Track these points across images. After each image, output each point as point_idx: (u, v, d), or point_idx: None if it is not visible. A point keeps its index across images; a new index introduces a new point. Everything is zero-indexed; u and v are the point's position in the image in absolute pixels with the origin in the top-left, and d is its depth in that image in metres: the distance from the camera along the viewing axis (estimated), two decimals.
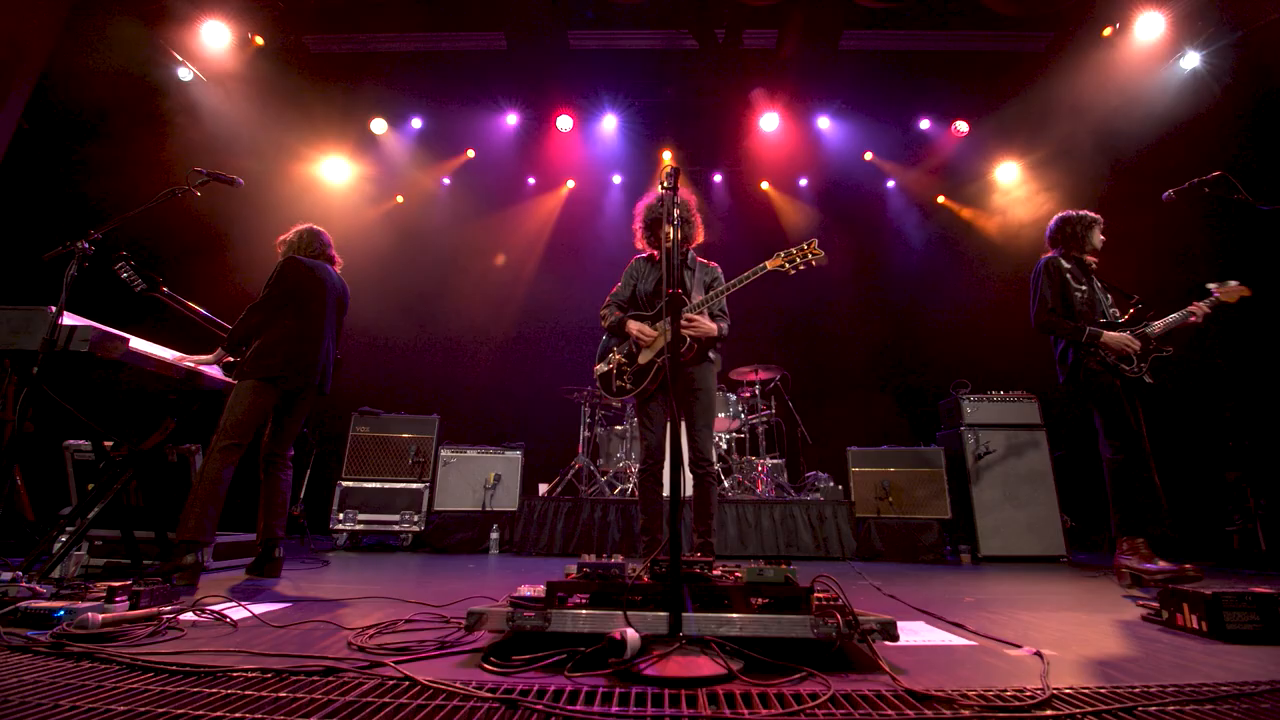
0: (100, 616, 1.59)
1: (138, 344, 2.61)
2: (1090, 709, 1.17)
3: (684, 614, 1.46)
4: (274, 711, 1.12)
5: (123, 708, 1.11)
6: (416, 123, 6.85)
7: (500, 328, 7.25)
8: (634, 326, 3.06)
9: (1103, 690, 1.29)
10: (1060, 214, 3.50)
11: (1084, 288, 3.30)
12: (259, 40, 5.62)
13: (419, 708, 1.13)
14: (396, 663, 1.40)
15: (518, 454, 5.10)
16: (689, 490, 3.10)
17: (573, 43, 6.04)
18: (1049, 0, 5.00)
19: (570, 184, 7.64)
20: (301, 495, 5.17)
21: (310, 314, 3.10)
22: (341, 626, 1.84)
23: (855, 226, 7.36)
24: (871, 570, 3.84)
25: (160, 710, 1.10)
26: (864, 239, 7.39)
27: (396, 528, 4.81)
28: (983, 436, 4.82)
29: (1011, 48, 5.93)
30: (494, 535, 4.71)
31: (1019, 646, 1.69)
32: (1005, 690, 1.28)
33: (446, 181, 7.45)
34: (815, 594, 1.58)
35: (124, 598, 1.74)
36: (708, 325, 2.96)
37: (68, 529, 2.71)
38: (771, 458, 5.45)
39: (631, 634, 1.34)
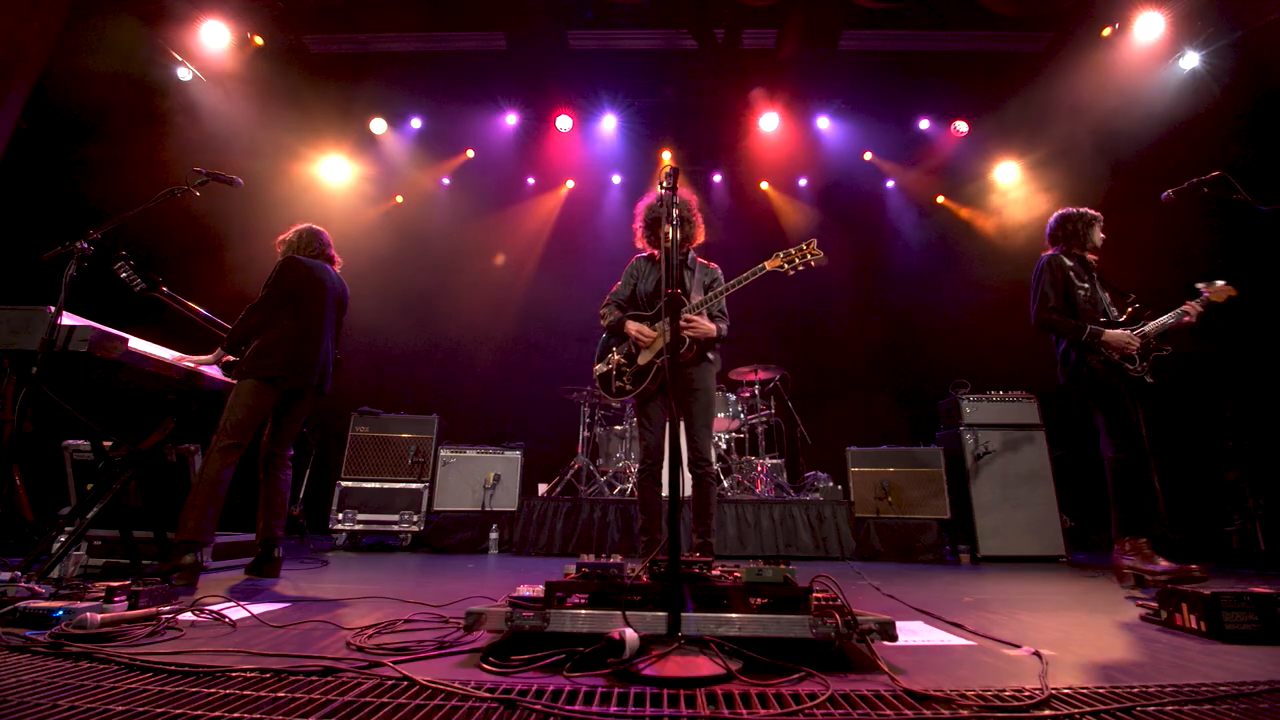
0: (99, 616, 1.60)
1: (137, 344, 2.60)
2: (1089, 709, 1.17)
3: (683, 614, 1.46)
4: (273, 711, 1.12)
5: (121, 708, 1.11)
6: (416, 123, 6.85)
7: (500, 328, 7.24)
8: (633, 327, 3.06)
9: (1101, 690, 1.29)
10: (1060, 211, 3.48)
11: (1086, 286, 3.28)
12: (258, 40, 5.62)
13: (418, 708, 1.13)
14: (395, 663, 1.40)
15: (517, 454, 5.10)
16: (688, 490, 3.10)
17: (572, 43, 6.04)
18: (1048, 0, 5.00)
19: (570, 184, 7.63)
20: (301, 495, 5.16)
21: (310, 314, 3.10)
22: (340, 626, 1.84)
23: (855, 226, 7.36)
24: (870, 570, 3.84)
25: (159, 710, 1.11)
26: (863, 239, 7.38)
27: (396, 528, 4.81)
28: (982, 436, 4.82)
29: (1011, 48, 5.93)
30: (493, 535, 4.71)
31: (1018, 646, 1.69)
32: (1004, 690, 1.28)
33: (446, 181, 7.44)
34: (814, 594, 1.58)
35: (123, 598, 1.74)
36: (707, 326, 2.96)
37: (67, 529, 2.71)
38: (771, 458, 5.45)
39: (630, 634, 1.34)
